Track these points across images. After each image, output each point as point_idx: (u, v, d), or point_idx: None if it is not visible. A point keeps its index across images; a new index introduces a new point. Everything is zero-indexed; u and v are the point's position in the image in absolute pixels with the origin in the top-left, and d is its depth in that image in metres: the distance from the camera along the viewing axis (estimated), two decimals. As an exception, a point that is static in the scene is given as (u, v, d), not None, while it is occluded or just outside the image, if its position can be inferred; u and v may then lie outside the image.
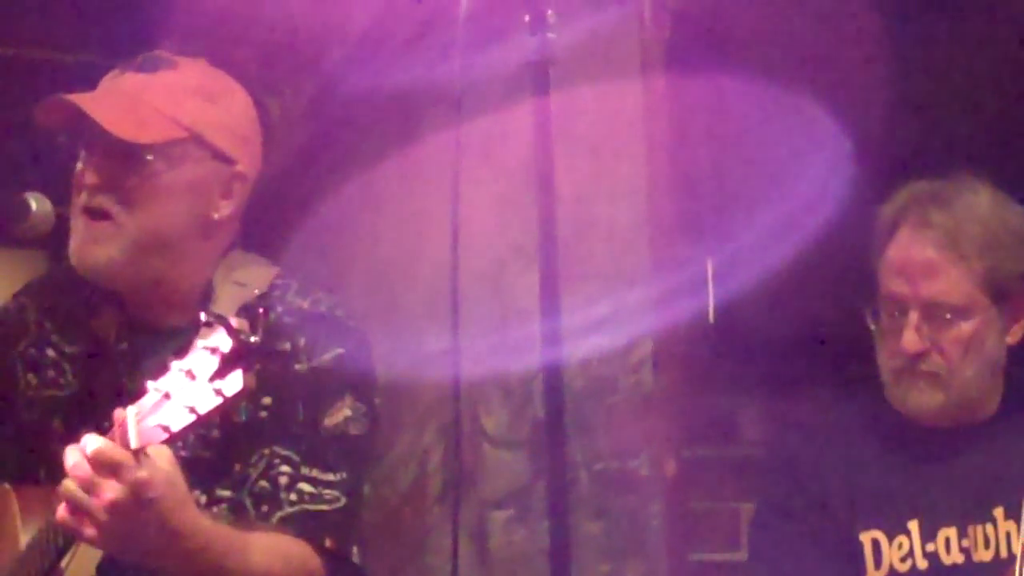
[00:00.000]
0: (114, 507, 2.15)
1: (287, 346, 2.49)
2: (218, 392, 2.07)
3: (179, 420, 2.09)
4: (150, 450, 2.15)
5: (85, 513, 2.19)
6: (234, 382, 2.06)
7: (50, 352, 2.66)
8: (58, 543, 2.36)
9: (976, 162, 2.86)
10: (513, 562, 4.21)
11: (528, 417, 4.19)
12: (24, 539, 2.48)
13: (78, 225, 2.51)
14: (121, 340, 2.59)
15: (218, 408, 2.08)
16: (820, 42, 3.61)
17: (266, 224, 2.83)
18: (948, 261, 2.74)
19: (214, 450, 2.48)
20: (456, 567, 2.95)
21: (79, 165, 2.53)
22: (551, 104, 2.20)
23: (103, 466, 2.14)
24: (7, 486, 2.58)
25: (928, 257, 2.74)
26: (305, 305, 2.57)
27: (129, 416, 2.14)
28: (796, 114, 3.51)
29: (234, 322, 2.07)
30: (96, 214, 2.50)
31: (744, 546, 3.52)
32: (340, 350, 2.53)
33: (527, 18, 2.20)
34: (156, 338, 2.46)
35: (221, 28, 4.69)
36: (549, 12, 2.20)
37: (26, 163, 2.66)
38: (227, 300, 2.13)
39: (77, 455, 2.17)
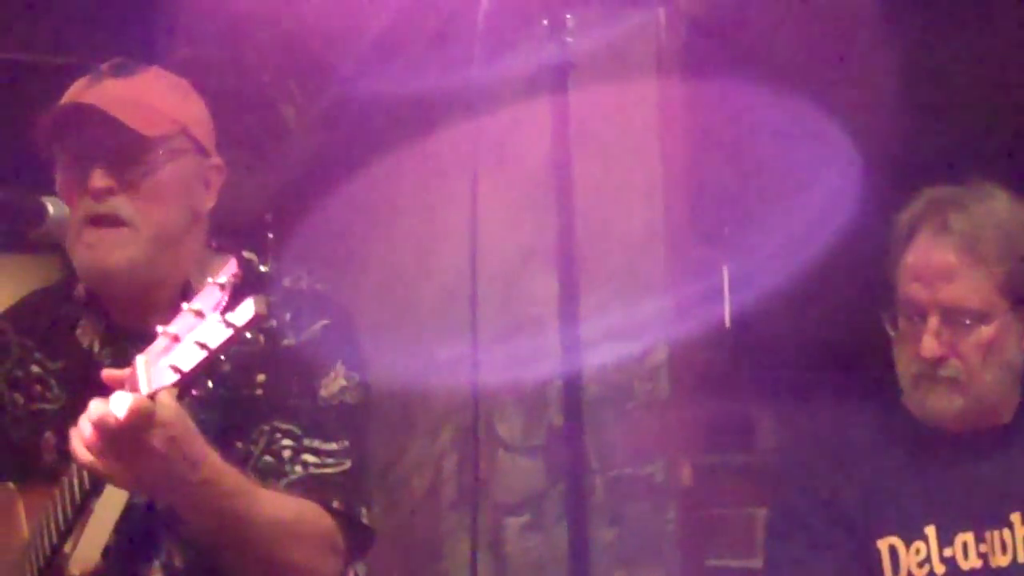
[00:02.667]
0: (134, 448, 2.18)
1: (273, 323, 2.46)
2: (229, 324, 2.06)
3: (190, 358, 2.10)
4: (161, 394, 2.16)
5: (113, 459, 2.21)
6: (245, 311, 2.05)
7: (35, 369, 2.67)
8: (60, 523, 2.38)
9: (985, 169, 2.86)
10: (529, 568, 4.22)
11: (543, 423, 4.20)
12: (28, 532, 2.50)
13: (87, 234, 2.50)
14: (103, 349, 2.60)
15: (229, 340, 2.07)
16: (832, 49, 3.61)
17: (283, 228, 2.83)
18: (967, 265, 2.73)
19: (213, 432, 2.44)
20: (475, 573, 2.98)
21: (61, 177, 2.52)
22: (569, 108, 2.19)
23: (123, 413, 2.15)
24: (12, 485, 2.60)
25: (947, 261, 2.73)
26: (287, 283, 2.58)
27: (139, 363, 2.16)
28: (811, 121, 3.52)
29: (245, 253, 2.08)
30: (110, 220, 2.50)
31: (760, 553, 3.53)
32: (325, 321, 2.54)
33: (545, 22, 2.21)
34: (137, 343, 2.45)
35: (235, 35, 4.70)
36: (568, 16, 2.21)
37: (42, 166, 2.64)
38: (207, 296, 2.14)
39: (98, 405, 2.18)
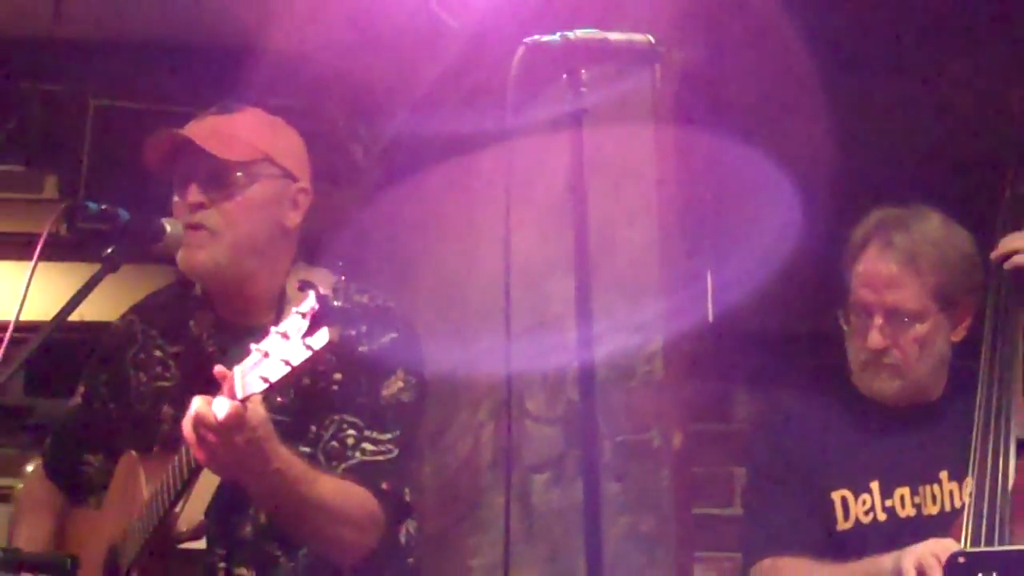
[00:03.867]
0: (223, 442, 2.21)
1: (352, 332, 2.48)
2: (308, 347, 2.08)
3: (276, 371, 2.11)
4: (252, 400, 2.18)
5: (207, 448, 2.24)
6: (321, 337, 2.07)
7: (157, 353, 2.68)
8: (173, 489, 2.39)
9: (918, 195, 2.85)
10: (551, 516, 4.20)
11: (562, 399, 4.18)
12: (147, 494, 2.50)
13: (184, 237, 2.52)
14: (211, 338, 2.61)
15: (308, 360, 2.09)
16: (792, 99, 3.59)
17: (351, 243, 2.84)
18: (907, 275, 2.72)
19: (297, 416, 2.48)
20: (508, 521, 2.97)
21: (176, 197, 2.55)
22: (583, 145, 2.20)
23: (222, 415, 2.19)
24: (134, 454, 2.60)
25: (891, 272, 2.73)
26: (364, 300, 2.58)
27: (236, 373, 2.17)
28: (774, 156, 3.50)
29: (321, 289, 2.09)
30: (195, 228, 2.52)
31: (736, 503, 3.53)
32: (393, 334, 2.54)
33: (564, 77, 2.21)
34: (239, 335, 2.46)
35: (316, 89, 4.70)
36: (582, 72, 2.20)
37: (163, 195, 2.66)
38: (298, 302, 2.15)
39: (202, 405, 2.21)
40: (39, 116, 5.28)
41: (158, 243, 2.53)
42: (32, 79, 5.20)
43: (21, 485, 6.43)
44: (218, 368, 2.24)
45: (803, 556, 2.70)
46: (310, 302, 2.07)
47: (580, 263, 2.18)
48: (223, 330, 2.59)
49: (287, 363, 2.10)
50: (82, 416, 2.76)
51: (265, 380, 2.13)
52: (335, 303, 2.09)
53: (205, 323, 2.62)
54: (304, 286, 2.10)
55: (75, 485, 2.78)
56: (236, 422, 2.19)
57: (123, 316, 2.77)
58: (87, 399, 2.76)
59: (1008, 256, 2.74)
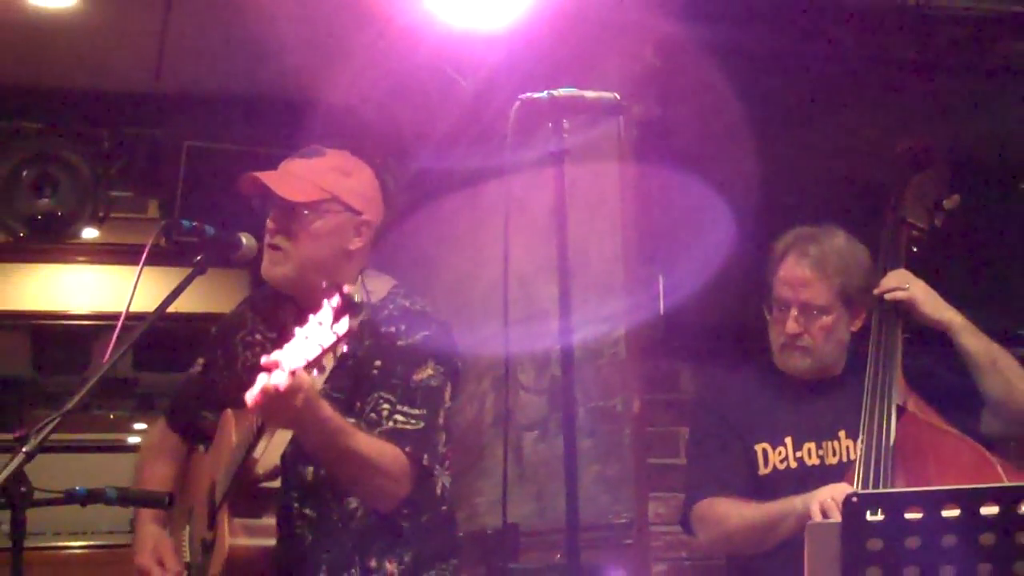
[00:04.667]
0: (284, 401, 2.19)
1: (393, 329, 2.47)
2: (334, 332, 2.07)
3: (312, 352, 2.11)
4: (298, 372, 2.17)
5: (270, 407, 2.22)
6: (342, 326, 2.06)
7: (258, 336, 2.66)
8: (252, 436, 2.38)
9: (828, 217, 2.84)
10: (538, 465, 4.19)
11: (547, 374, 4.18)
12: (235, 441, 2.51)
13: (264, 254, 2.52)
14: (295, 327, 2.57)
15: (334, 343, 2.08)
16: (730, 142, 3.58)
17: (389, 252, 2.83)
18: (817, 279, 2.72)
19: (348, 394, 2.47)
20: (506, 469, 2.96)
21: (266, 218, 2.54)
22: (564, 178, 2.19)
23: (282, 384, 2.17)
24: (230, 411, 2.59)
25: (805, 275, 2.72)
26: (407, 304, 2.54)
27: (284, 352, 2.16)
28: (715, 187, 3.50)
29: (345, 288, 2.07)
30: (275, 248, 2.51)
31: (681, 455, 3.50)
32: (427, 332, 2.50)
33: (550, 124, 2.20)
34: None
35: (360, 132, 4.70)
36: (564, 121, 2.20)
37: (240, 216, 2.64)
38: (324, 314, 2.14)
39: (266, 380, 2.20)
40: (143, 155, 5.27)
41: (236, 253, 2.53)
42: (138, 126, 5.20)
43: (133, 439, 6.46)
44: (264, 359, 2.22)
45: (732, 496, 2.69)
46: (336, 299, 2.06)
47: (562, 270, 2.18)
48: (303, 322, 2.58)
49: (320, 345, 2.10)
50: (201, 380, 2.74)
51: (304, 358, 2.13)
52: (355, 297, 2.06)
53: (292, 315, 2.58)
54: (331, 286, 2.08)
55: (192, 435, 2.76)
56: (290, 389, 2.17)
57: (238, 306, 2.75)
58: (206, 367, 2.74)
59: (887, 291, 2.73)
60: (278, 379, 2.17)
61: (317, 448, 2.39)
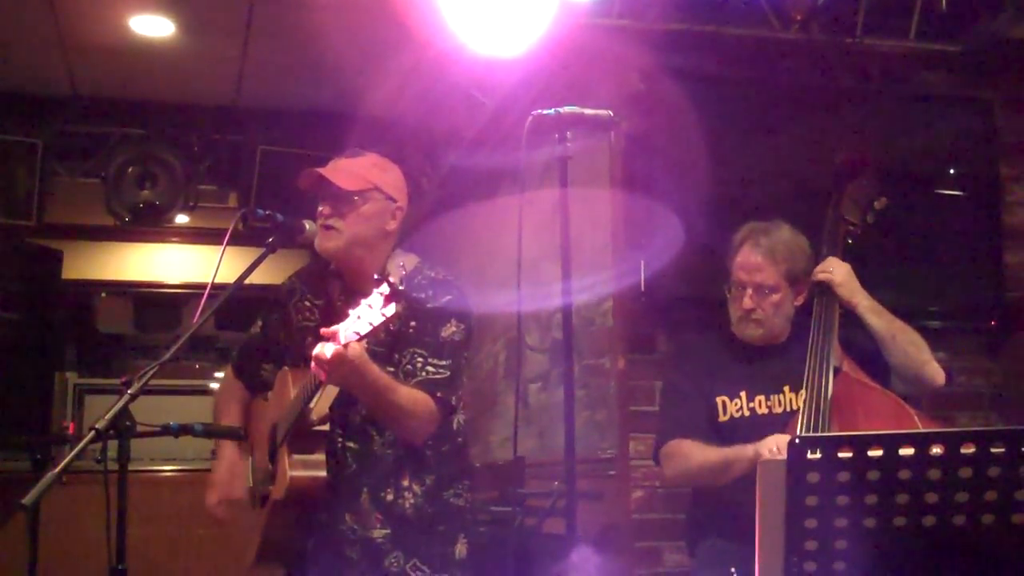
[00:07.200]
0: (340, 366, 2.21)
1: (423, 295, 2.47)
2: (383, 315, 2.08)
3: (363, 328, 2.12)
4: (351, 344, 2.18)
5: (324, 368, 2.23)
6: (389, 309, 2.08)
7: (306, 303, 2.64)
8: (309, 391, 2.38)
9: (778, 214, 2.82)
10: (540, 410, 4.21)
11: (550, 336, 4.19)
12: (293, 394, 2.49)
13: (320, 233, 2.50)
14: (340, 296, 2.58)
15: (381, 324, 2.10)
16: (699, 154, 3.56)
17: (421, 237, 2.82)
18: (767, 264, 2.71)
19: (388, 348, 2.46)
20: (516, 413, 2.96)
21: (320, 207, 2.52)
22: (567, 179, 2.18)
23: (330, 354, 2.19)
24: (286, 368, 2.59)
25: (757, 262, 2.71)
26: (433, 274, 2.53)
27: (341, 327, 2.17)
28: (686, 187, 3.49)
29: (391, 278, 2.09)
30: (328, 227, 2.50)
31: (655, 403, 3.50)
32: (450, 296, 2.49)
33: (556, 135, 2.19)
34: (355, 295, 2.43)
35: (400, 139, 4.70)
36: (568, 133, 2.19)
37: (303, 205, 2.64)
38: (393, 273, 2.15)
39: (321, 349, 2.22)
40: (225, 156, 5.29)
41: (300, 235, 2.52)
42: (220, 133, 5.23)
43: (214, 385, 6.50)
44: (323, 329, 2.22)
45: (696, 439, 2.68)
46: (384, 288, 2.08)
47: (564, 253, 2.18)
48: (346, 292, 2.56)
49: (370, 324, 2.11)
50: (260, 339, 2.73)
51: (356, 333, 2.14)
52: (400, 286, 2.08)
53: (336, 287, 2.59)
54: (382, 278, 2.09)
55: (255, 384, 2.76)
56: (339, 359, 2.19)
57: (289, 278, 2.73)
58: (263, 329, 2.73)
59: (818, 271, 2.73)
60: (328, 351, 2.18)
61: (365, 400, 2.40)
